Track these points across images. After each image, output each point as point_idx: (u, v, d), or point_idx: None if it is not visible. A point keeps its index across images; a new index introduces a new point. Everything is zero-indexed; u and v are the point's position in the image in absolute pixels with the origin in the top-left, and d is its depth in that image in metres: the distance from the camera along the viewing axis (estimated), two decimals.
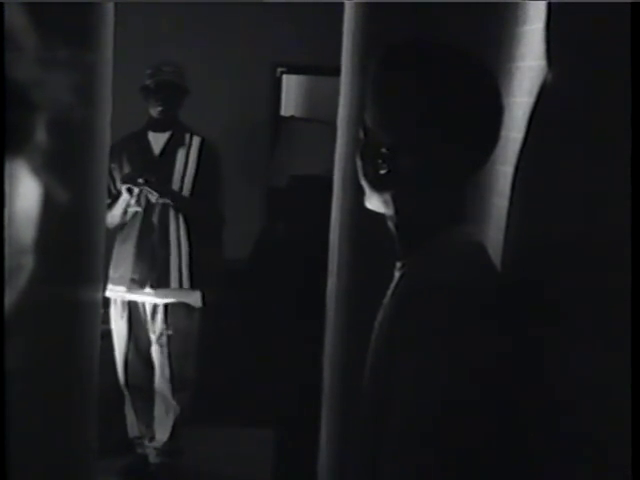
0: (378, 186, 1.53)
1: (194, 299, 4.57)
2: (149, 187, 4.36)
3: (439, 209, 1.52)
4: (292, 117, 5.63)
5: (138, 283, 4.47)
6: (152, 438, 4.64)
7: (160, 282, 4.48)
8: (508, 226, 1.59)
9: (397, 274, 1.55)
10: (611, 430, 1.11)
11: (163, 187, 4.40)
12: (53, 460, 2.65)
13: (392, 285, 1.59)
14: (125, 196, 4.38)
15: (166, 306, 4.52)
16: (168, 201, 4.41)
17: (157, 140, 4.53)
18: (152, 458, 4.64)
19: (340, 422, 3.04)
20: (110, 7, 3.04)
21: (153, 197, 4.38)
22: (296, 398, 4.23)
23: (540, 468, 1.33)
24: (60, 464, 2.77)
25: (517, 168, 1.56)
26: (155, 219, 4.45)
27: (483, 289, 1.39)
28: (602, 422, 1.14)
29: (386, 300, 1.57)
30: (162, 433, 4.61)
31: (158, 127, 4.52)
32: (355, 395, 1.72)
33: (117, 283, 4.53)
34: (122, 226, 4.51)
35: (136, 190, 4.37)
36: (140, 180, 4.34)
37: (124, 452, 4.62)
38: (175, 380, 4.55)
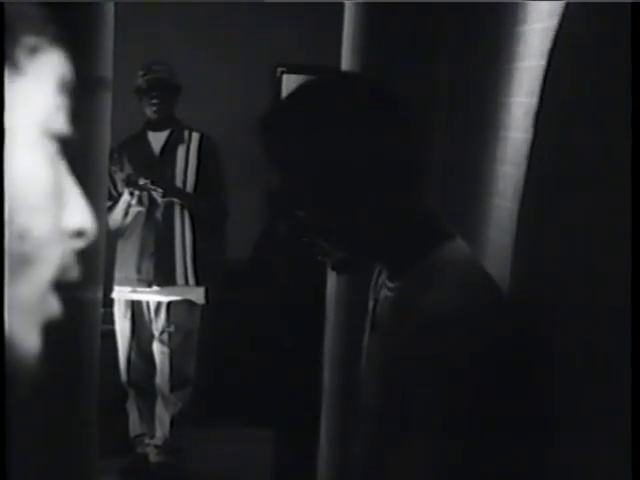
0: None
1: (197, 296, 4.58)
2: (153, 186, 4.36)
3: (422, 228, 1.49)
4: None
5: (144, 282, 4.48)
6: (153, 436, 4.65)
7: (166, 280, 4.49)
8: (517, 233, 1.58)
9: (388, 293, 1.52)
10: (611, 430, 1.11)
11: (167, 185, 4.41)
12: (53, 460, 2.66)
13: (377, 304, 1.57)
14: (126, 197, 4.38)
15: (169, 303, 4.53)
16: (173, 199, 4.43)
17: (157, 139, 4.54)
18: (152, 457, 4.64)
19: (340, 422, 3.04)
20: (110, 7, 3.04)
21: (158, 195, 4.39)
22: (296, 398, 4.23)
23: (541, 468, 1.33)
24: (60, 464, 2.77)
25: (528, 170, 1.55)
26: (159, 218, 4.45)
27: (486, 315, 1.36)
28: (602, 422, 1.14)
29: (382, 322, 1.54)
30: (162, 430, 4.61)
31: (156, 126, 4.52)
32: (355, 396, 1.72)
33: (122, 284, 4.53)
34: (124, 227, 4.51)
35: (137, 192, 4.37)
36: (142, 181, 4.35)
37: (124, 452, 4.61)
38: (174, 376, 4.56)
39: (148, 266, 4.48)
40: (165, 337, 4.55)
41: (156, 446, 4.63)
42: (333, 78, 1.54)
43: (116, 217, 4.43)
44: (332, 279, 3.32)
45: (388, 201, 1.44)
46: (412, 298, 1.43)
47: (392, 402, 1.42)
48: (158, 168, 4.48)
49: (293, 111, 1.47)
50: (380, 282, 1.59)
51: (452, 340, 1.31)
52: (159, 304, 4.55)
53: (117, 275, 4.53)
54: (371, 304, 1.64)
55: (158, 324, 4.56)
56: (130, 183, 4.38)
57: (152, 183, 4.36)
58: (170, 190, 4.41)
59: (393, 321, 1.48)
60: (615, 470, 1.08)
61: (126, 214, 4.46)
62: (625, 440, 1.01)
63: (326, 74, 1.57)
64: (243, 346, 5.28)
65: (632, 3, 1.08)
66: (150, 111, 4.48)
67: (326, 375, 3.42)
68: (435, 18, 2.54)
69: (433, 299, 1.37)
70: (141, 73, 4.47)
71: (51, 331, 0.74)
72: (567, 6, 1.42)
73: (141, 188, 4.36)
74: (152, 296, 4.54)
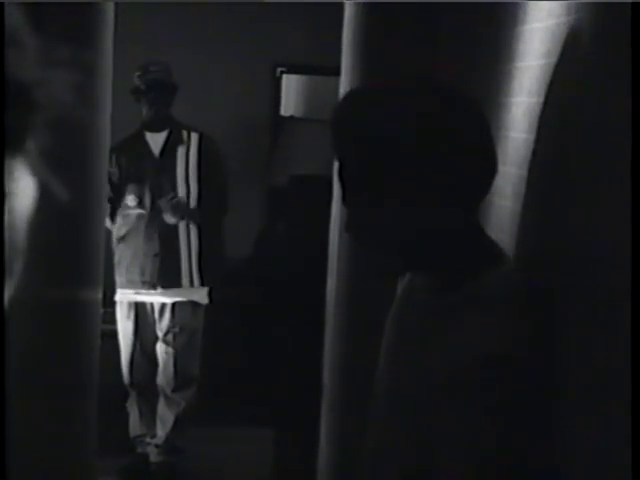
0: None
1: (201, 296, 4.58)
2: (173, 210, 4.39)
3: (475, 245, 1.45)
4: (292, 117, 5.62)
5: (148, 284, 4.49)
6: (154, 435, 4.65)
7: (171, 282, 4.49)
8: (521, 229, 1.57)
9: (424, 305, 1.49)
10: (612, 430, 1.11)
11: (186, 210, 4.44)
12: (53, 460, 2.65)
13: (407, 311, 1.55)
14: (127, 202, 4.44)
15: (173, 304, 4.53)
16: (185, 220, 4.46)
17: (155, 140, 4.53)
18: (152, 457, 4.64)
19: (340, 422, 3.04)
20: (110, 7, 3.04)
21: (172, 219, 4.41)
22: (296, 398, 4.23)
23: (542, 470, 1.33)
24: (60, 464, 2.76)
25: (530, 170, 1.54)
26: (162, 219, 4.45)
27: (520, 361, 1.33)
28: (602, 423, 1.14)
29: (413, 331, 1.50)
30: (163, 429, 4.61)
31: (154, 127, 4.51)
32: (355, 395, 1.72)
33: (125, 286, 4.53)
34: (126, 230, 4.51)
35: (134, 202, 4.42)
36: (170, 197, 4.39)
37: (124, 452, 4.61)
38: (178, 377, 4.56)
39: (152, 268, 4.48)
40: (170, 338, 4.55)
41: (157, 446, 4.63)
42: (415, 84, 1.48)
43: (117, 221, 4.46)
44: (332, 279, 3.32)
45: (446, 212, 1.41)
46: (451, 324, 1.40)
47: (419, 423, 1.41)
48: (158, 170, 4.48)
49: (368, 105, 1.41)
50: (413, 289, 1.56)
51: (483, 386, 1.31)
52: (163, 305, 4.55)
53: (120, 277, 4.53)
54: (400, 296, 1.60)
55: (162, 325, 4.56)
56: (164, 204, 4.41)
57: (173, 199, 4.39)
58: (187, 214, 4.45)
59: (426, 341, 1.45)
60: (615, 470, 1.08)
61: (125, 217, 4.48)
62: (625, 439, 1.01)
63: (410, 80, 1.51)
64: (243, 346, 5.28)
65: (632, 3, 1.08)
66: (148, 112, 4.47)
67: (326, 375, 3.42)
68: (435, 18, 2.54)
69: (469, 340, 1.34)
70: (138, 74, 4.46)
71: (52, 331, 0.74)
72: (567, 6, 1.42)
73: (169, 201, 4.40)
74: (156, 298, 4.54)
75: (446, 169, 1.37)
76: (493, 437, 1.31)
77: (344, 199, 1.45)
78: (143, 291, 4.52)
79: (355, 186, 1.42)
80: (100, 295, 3.27)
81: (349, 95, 1.46)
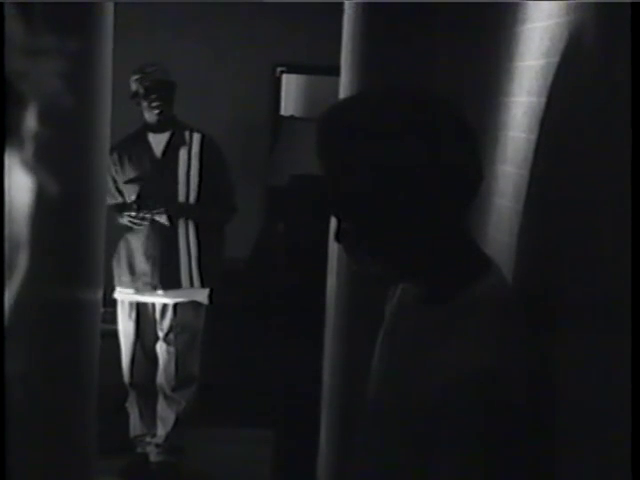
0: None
1: (202, 296, 4.58)
2: (155, 213, 4.39)
3: (464, 254, 1.45)
4: (292, 117, 5.63)
5: (150, 285, 4.48)
6: (154, 435, 4.65)
7: (171, 283, 4.48)
8: (521, 229, 1.58)
9: (416, 313, 1.48)
10: (611, 431, 1.11)
11: (172, 208, 4.43)
12: (53, 460, 2.66)
13: (399, 318, 1.54)
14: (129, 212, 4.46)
15: (175, 305, 4.53)
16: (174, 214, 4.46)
17: (157, 141, 4.51)
18: (152, 457, 4.64)
19: (340, 423, 3.04)
20: (110, 7, 3.04)
21: (165, 221, 4.42)
22: (296, 398, 4.23)
23: (540, 471, 1.33)
24: (60, 464, 2.77)
25: (530, 170, 1.54)
26: (163, 221, 4.45)
27: (515, 376, 1.34)
28: (602, 423, 1.14)
29: (406, 342, 1.50)
30: (164, 429, 4.61)
31: (157, 128, 4.50)
32: (355, 396, 1.72)
33: (127, 286, 4.53)
34: (128, 229, 4.52)
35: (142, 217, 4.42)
36: (145, 213, 4.39)
37: (124, 452, 4.61)
38: (179, 376, 4.56)
39: (153, 269, 4.48)
40: (171, 337, 4.55)
41: (157, 445, 4.63)
42: (401, 90, 1.48)
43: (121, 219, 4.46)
44: (332, 279, 3.32)
45: (437, 220, 1.40)
46: (441, 335, 1.40)
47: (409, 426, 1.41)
48: (159, 171, 4.48)
49: (351, 115, 1.41)
50: (404, 297, 1.56)
51: (476, 402, 1.31)
52: (165, 305, 4.55)
53: (122, 277, 4.53)
54: (390, 315, 1.60)
55: (163, 325, 4.56)
56: (133, 211, 4.41)
57: (155, 210, 4.38)
58: (176, 212, 4.44)
59: (421, 355, 1.44)
60: (615, 470, 1.08)
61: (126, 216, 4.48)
62: (625, 440, 1.01)
63: (394, 87, 1.50)
64: (243, 346, 5.28)
65: (632, 3, 1.08)
66: (152, 114, 4.44)
67: (326, 375, 3.43)
68: (435, 17, 2.54)
69: (462, 353, 1.34)
70: (135, 78, 4.44)
71: (52, 331, 0.74)
72: (567, 6, 1.42)
73: (144, 218, 4.40)
74: (157, 299, 4.54)
75: (432, 177, 1.37)
76: (492, 454, 1.31)
77: (333, 210, 1.45)
78: (144, 291, 4.51)
79: (343, 198, 1.42)
80: (100, 295, 3.27)
81: (332, 108, 1.45)
